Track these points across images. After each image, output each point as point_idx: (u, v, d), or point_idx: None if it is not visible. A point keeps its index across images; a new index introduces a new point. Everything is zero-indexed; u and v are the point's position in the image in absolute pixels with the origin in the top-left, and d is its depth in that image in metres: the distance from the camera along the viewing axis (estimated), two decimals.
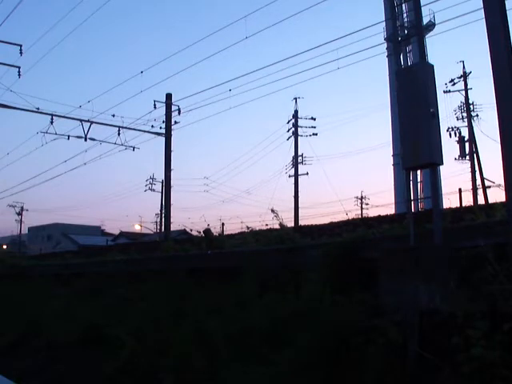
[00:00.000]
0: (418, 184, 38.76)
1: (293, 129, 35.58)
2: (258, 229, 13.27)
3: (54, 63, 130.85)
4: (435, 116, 6.19)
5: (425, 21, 8.08)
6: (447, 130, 31.87)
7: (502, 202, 7.47)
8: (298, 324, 5.69)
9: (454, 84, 32.07)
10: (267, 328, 6.01)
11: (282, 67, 17.39)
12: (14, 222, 73.07)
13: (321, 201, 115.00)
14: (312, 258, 7.07)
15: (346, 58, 21.19)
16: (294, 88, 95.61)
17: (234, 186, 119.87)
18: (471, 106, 32.22)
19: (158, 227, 43.43)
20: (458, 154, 32.14)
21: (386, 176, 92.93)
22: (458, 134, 32.09)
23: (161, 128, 22.29)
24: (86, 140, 21.51)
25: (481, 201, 26.50)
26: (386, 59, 38.51)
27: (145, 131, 22.21)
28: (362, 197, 49.87)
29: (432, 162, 6.24)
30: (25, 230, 67.67)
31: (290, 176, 35.17)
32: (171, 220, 22.60)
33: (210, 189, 41.12)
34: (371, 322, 5.09)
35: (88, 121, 21.32)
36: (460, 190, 19.41)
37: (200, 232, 14.40)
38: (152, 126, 22.15)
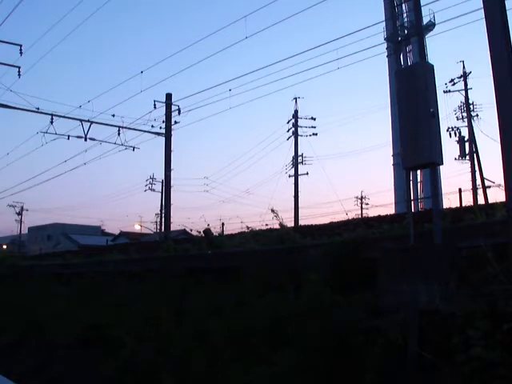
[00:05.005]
0: (418, 184, 38.85)
1: (293, 129, 35.60)
2: (258, 229, 13.30)
3: (53, 63, 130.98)
4: (435, 116, 6.20)
5: (425, 21, 8.06)
6: (447, 130, 31.92)
7: (502, 202, 7.46)
8: (298, 324, 5.68)
9: (454, 84, 32.11)
10: (267, 328, 6.00)
11: (282, 67, 17.39)
12: (14, 221, 73.38)
13: (321, 201, 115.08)
14: (312, 258, 7.07)
15: (346, 58, 21.11)
16: (293, 88, 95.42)
17: (234, 186, 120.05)
18: (471, 106, 32.25)
19: (158, 227, 43.44)
20: (458, 153, 32.17)
21: (386, 176, 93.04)
22: (458, 134, 32.10)
23: (161, 128, 22.29)
24: (86, 140, 21.52)
25: (481, 201, 26.53)
26: (386, 59, 38.58)
27: (145, 131, 22.21)
28: (361, 197, 49.97)
29: (432, 161, 6.25)
30: (25, 230, 67.72)
31: (290, 176, 35.20)
32: (171, 220, 22.62)
33: (210, 189, 41.07)
34: (371, 322, 5.09)
35: (88, 121, 21.32)
36: (460, 190, 19.43)
37: (200, 232, 14.45)
38: (152, 126, 22.15)
